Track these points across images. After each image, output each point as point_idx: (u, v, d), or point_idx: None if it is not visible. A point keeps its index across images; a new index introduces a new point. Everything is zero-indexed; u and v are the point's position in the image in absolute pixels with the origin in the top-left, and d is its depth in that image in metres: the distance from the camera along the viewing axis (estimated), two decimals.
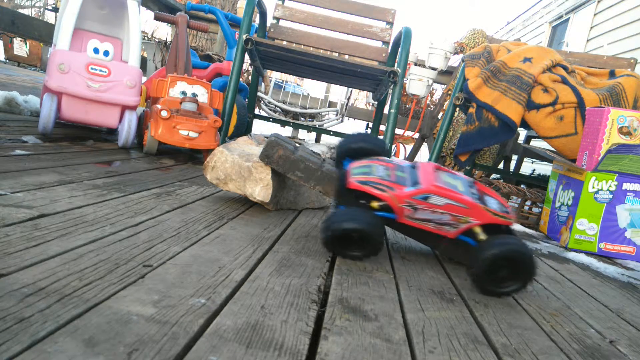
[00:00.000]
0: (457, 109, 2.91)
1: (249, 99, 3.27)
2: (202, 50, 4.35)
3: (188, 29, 2.57)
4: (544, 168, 5.44)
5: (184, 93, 2.23)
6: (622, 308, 1.27)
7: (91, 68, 1.98)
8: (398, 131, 4.71)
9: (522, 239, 1.46)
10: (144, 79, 3.09)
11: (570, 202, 2.05)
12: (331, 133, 3.94)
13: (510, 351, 0.84)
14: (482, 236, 1.19)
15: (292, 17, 3.02)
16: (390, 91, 2.58)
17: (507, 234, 1.20)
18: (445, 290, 1.11)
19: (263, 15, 2.91)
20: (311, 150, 1.52)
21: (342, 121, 5.17)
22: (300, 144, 2.80)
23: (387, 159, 1.28)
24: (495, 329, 0.93)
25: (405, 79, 3.90)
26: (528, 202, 2.53)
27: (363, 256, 1.18)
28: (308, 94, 6.02)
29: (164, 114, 2.01)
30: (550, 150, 2.65)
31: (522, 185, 3.51)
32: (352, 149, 1.36)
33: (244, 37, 2.35)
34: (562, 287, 1.37)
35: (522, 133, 4.19)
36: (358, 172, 1.20)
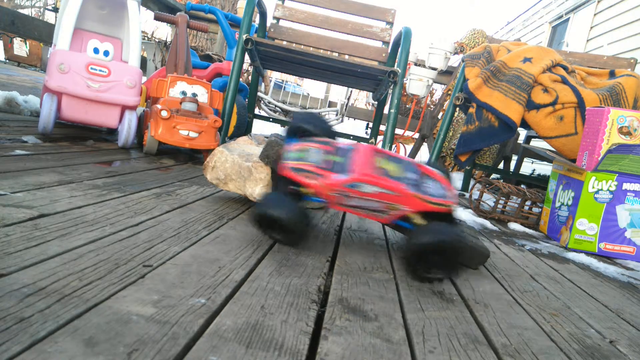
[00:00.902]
0: (457, 109, 2.91)
1: (249, 99, 3.27)
2: (202, 50, 4.35)
3: (188, 29, 2.57)
4: (544, 168, 5.44)
5: (184, 93, 2.23)
6: (622, 308, 1.27)
7: (91, 68, 1.98)
8: (398, 131, 4.71)
9: (462, 225, 1.43)
10: (144, 79, 3.09)
11: (570, 202, 2.05)
12: None
13: (510, 351, 0.84)
14: (419, 221, 1.16)
15: (292, 17, 3.03)
16: (390, 91, 2.58)
17: (447, 220, 1.18)
18: (445, 290, 1.11)
19: (263, 15, 2.91)
20: None
21: (342, 121, 5.17)
22: None
23: (328, 140, 1.25)
24: (495, 329, 0.93)
25: (405, 79, 3.90)
26: (528, 202, 2.52)
27: (286, 241, 1.18)
28: (308, 94, 6.02)
29: (164, 114, 2.01)
30: (550, 150, 2.65)
31: (522, 185, 3.51)
32: (300, 129, 1.32)
33: (244, 37, 2.35)
34: (562, 287, 1.37)
35: (522, 133, 4.19)
36: (292, 157, 1.18)
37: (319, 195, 1.15)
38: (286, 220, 1.09)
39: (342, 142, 1.24)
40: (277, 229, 1.15)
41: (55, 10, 11.29)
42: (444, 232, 1.06)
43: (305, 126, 1.29)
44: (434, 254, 1.08)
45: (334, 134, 1.35)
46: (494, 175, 4.48)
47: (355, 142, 1.21)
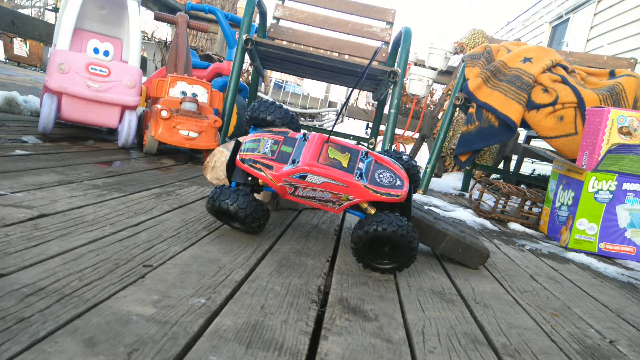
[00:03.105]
0: (457, 109, 2.92)
1: (249, 99, 3.27)
2: (202, 50, 4.35)
3: (188, 29, 2.57)
4: (544, 168, 5.44)
5: (184, 93, 2.23)
6: (622, 308, 1.27)
7: (91, 68, 1.98)
8: (398, 131, 4.72)
9: (431, 215, 1.42)
10: (144, 79, 3.09)
11: (570, 202, 2.05)
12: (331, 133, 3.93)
13: (510, 351, 0.84)
14: (371, 210, 1.17)
15: (292, 17, 3.03)
16: (390, 91, 2.58)
17: (400, 208, 1.19)
18: (445, 290, 1.11)
19: (263, 15, 2.91)
20: None
21: (342, 121, 5.17)
22: None
23: (283, 130, 1.25)
24: (495, 329, 0.93)
25: (405, 79, 3.90)
26: (528, 202, 2.52)
27: (246, 230, 1.21)
28: (308, 94, 6.02)
29: (164, 114, 2.01)
30: (550, 150, 2.65)
31: (522, 185, 3.51)
32: (259, 119, 1.31)
33: (244, 37, 2.35)
34: (562, 287, 1.37)
35: (522, 133, 4.19)
36: (246, 148, 1.19)
37: (270, 186, 1.16)
38: (235, 212, 1.12)
39: (296, 132, 1.25)
40: (233, 219, 1.20)
41: (55, 10, 11.29)
42: (387, 222, 1.06)
43: (262, 115, 1.29)
44: (382, 244, 1.09)
45: (296, 124, 1.33)
46: (494, 175, 4.48)
47: (307, 131, 1.21)
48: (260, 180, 1.19)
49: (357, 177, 1.11)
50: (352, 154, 1.16)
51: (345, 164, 1.12)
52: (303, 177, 1.10)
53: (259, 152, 1.16)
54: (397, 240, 1.06)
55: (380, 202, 1.17)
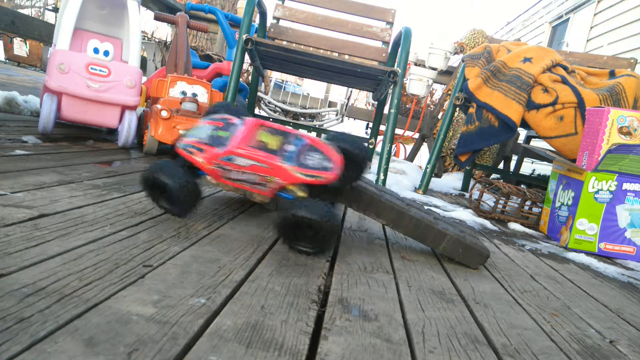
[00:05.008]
0: (457, 109, 2.92)
1: (249, 99, 3.27)
2: (202, 50, 4.35)
3: (188, 29, 2.57)
4: (544, 168, 5.44)
5: (184, 93, 2.23)
6: (622, 308, 1.27)
7: (91, 68, 1.98)
8: (398, 131, 4.72)
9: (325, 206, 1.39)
10: (144, 79, 3.09)
11: (570, 202, 2.05)
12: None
13: (510, 351, 0.84)
14: (300, 193, 1.17)
15: (292, 17, 3.03)
16: (390, 91, 2.58)
17: (328, 192, 1.19)
18: (445, 290, 1.11)
19: (263, 15, 2.91)
20: None
21: (342, 121, 5.17)
22: None
23: (225, 117, 1.27)
24: (495, 329, 0.93)
25: (405, 79, 3.90)
26: (528, 202, 2.52)
27: (173, 212, 1.20)
28: (308, 94, 6.02)
29: (164, 114, 2.01)
30: (550, 150, 2.65)
31: (522, 185, 3.51)
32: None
33: (244, 37, 2.35)
34: (562, 287, 1.37)
35: (522, 133, 4.19)
36: (188, 134, 1.22)
37: (202, 169, 1.19)
38: (171, 186, 1.12)
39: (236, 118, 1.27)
40: (165, 196, 1.18)
41: (55, 10, 11.29)
42: (303, 207, 1.06)
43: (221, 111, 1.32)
44: (304, 228, 1.10)
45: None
46: (494, 175, 4.48)
47: (248, 117, 1.23)
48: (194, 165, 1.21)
49: (283, 159, 1.13)
50: (285, 137, 1.19)
51: (274, 147, 1.15)
52: (230, 160, 1.14)
53: (195, 138, 1.19)
54: (313, 226, 1.07)
55: (314, 186, 1.18)
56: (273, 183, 1.16)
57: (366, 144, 3.36)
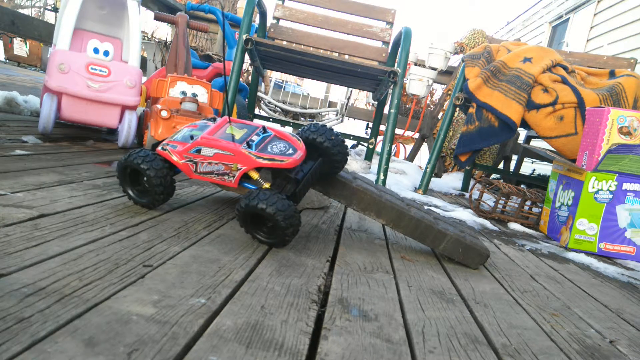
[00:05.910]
0: (457, 109, 2.92)
1: (249, 99, 3.27)
2: (202, 50, 4.35)
3: (188, 29, 2.57)
4: (544, 168, 5.44)
5: (184, 93, 2.23)
6: (622, 308, 1.27)
7: (91, 68, 1.98)
8: (398, 131, 4.72)
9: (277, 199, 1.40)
10: (144, 79, 3.09)
11: (570, 202, 2.05)
12: None
13: (510, 351, 0.84)
14: (264, 184, 1.21)
15: (292, 17, 3.03)
16: (390, 91, 2.58)
17: (287, 179, 1.22)
18: (445, 290, 1.11)
19: (263, 15, 2.91)
20: None
21: (342, 121, 5.17)
22: None
23: (205, 122, 1.33)
24: (495, 329, 0.93)
25: (405, 79, 3.90)
26: (528, 202, 2.52)
27: (144, 203, 1.24)
28: (308, 94, 6.02)
29: (164, 114, 2.01)
30: (550, 150, 2.65)
31: (522, 185, 3.51)
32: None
33: (244, 37, 2.35)
34: (562, 287, 1.37)
35: (522, 133, 4.19)
36: (169, 138, 1.29)
37: (177, 165, 1.24)
38: (146, 170, 1.17)
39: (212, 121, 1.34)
40: (138, 186, 1.24)
41: (55, 10, 11.29)
42: (259, 199, 1.08)
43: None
44: (258, 218, 1.13)
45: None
46: (494, 175, 4.48)
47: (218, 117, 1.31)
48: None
49: (245, 146, 1.19)
50: (250, 129, 1.26)
51: (237, 137, 1.22)
52: (198, 152, 1.20)
53: (172, 139, 1.27)
54: (267, 217, 1.09)
55: (278, 177, 1.23)
56: (236, 170, 1.21)
57: (366, 144, 3.36)
